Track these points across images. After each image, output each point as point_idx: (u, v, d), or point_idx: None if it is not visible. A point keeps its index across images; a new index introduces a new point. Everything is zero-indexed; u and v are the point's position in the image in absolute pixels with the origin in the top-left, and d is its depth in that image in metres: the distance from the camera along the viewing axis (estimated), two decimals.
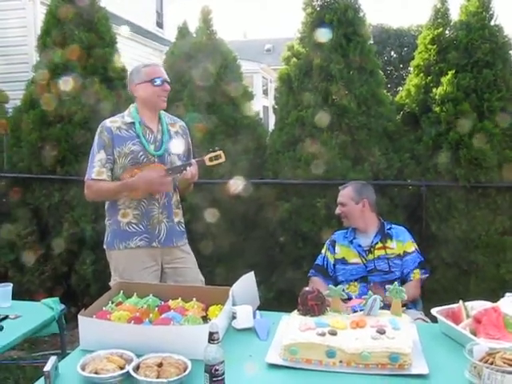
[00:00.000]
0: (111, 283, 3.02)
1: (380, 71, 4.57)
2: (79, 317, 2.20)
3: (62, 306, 3.04)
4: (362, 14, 4.52)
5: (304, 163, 4.30)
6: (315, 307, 2.27)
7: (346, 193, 3.33)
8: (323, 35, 4.35)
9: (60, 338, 3.17)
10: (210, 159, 2.94)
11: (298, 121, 4.38)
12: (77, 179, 4.38)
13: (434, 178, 4.25)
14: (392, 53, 23.16)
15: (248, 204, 4.41)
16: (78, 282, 4.62)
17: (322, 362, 2.04)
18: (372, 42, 4.61)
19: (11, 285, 3.05)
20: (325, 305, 2.32)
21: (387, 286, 2.35)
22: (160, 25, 13.80)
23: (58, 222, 4.66)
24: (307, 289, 2.33)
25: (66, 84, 4.54)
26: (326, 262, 3.34)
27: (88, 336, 2.19)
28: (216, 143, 4.11)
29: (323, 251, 3.38)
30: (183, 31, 4.81)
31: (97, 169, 2.95)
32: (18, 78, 7.11)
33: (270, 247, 4.47)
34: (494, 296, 2.50)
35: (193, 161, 2.98)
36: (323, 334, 2.08)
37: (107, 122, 3.03)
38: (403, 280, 3.14)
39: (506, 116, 4.16)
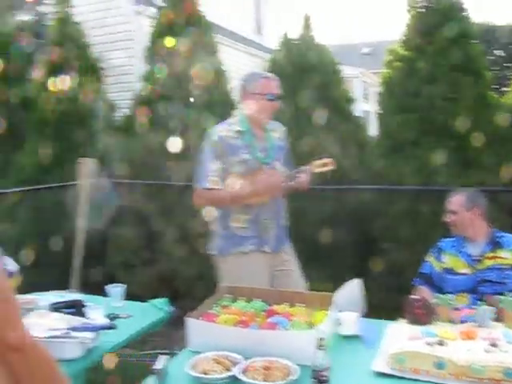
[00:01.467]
0: None
1: (487, 72, 4.40)
2: (187, 319, 2.28)
3: (171, 308, 3.15)
4: (466, 14, 4.38)
5: (411, 169, 4.21)
6: (422, 316, 2.23)
7: (457, 200, 3.19)
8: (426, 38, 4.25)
9: (167, 337, 3.28)
10: (318, 166, 2.95)
11: (403, 126, 4.30)
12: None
13: None
14: (496, 52, 21.99)
15: (349, 212, 4.38)
16: (182, 286, 4.77)
17: (430, 372, 1.99)
18: (477, 41, 4.45)
19: (124, 286, 3.19)
20: (432, 314, 2.26)
21: (499, 297, 2.26)
22: (259, 31, 13.97)
23: (164, 226, 4.82)
24: (414, 297, 2.29)
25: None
26: (431, 271, 3.24)
27: (196, 338, 2.26)
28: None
29: (429, 259, 3.27)
30: (285, 39, 4.84)
31: (211, 178, 2.98)
32: (124, 87, 7.49)
33: (366, 252, 4.41)
34: None
35: (303, 168, 2.99)
36: (431, 344, 2.04)
37: (218, 131, 3.05)
38: None
39: None
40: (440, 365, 1.98)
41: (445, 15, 4.28)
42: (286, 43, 4.84)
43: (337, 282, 2.53)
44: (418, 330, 2.16)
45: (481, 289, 2.99)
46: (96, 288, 3.41)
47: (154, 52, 5.00)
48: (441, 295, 2.34)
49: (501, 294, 2.62)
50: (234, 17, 11.76)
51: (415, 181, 4.22)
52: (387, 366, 2.04)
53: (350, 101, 4.81)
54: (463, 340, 2.09)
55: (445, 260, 3.19)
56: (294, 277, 3.16)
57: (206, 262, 4.50)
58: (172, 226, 4.77)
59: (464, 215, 3.13)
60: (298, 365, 1.98)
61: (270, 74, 3.14)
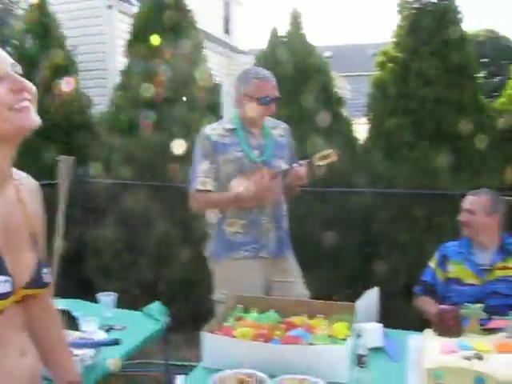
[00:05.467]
0: (215, 295, 2.93)
1: (480, 76, 4.37)
2: (203, 333, 2.11)
3: (167, 316, 2.96)
4: (460, 16, 4.33)
5: (403, 172, 4.13)
6: (454, 327, 2.11)
7: (478, 201, 2.98)
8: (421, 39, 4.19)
9: (163, 348, 3.10)
10: (320, 158, 2.79)
11: (396, 128, 4.22)
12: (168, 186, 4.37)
13: None
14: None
15: (340, 217, 4.26)
16: (165, 290, 4.57)
17: None
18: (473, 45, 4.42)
19: (115, 295, 2.99)
20: (462, 325, 2.15)
21: None
22: (227, 31, 13.83)
23: (146, 229, 4.62)
24: (445, 307, 2.17)
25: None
26: (435, 280, 3.05)
27: (212, 353, 2.09)
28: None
29: (432, 266, 3.12)
30: (273, 36, 4.69)
31: (201, 179, 2.84)
32: (98, 83, 7.26)
33: (363, 257, 4.30)
34: None
35: (302, 162, 2.82)
36: (469, 358, 1.92)
37: (207, 130, 2.91)
38: None
39: None
40: (479, 380, 1.86)
41: (439, 17, 4.21)
42: (274, 40, 4.69)
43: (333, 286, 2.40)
44: (451, 342, 2.04)
45: (489, 301, 2.72)
46: (73, 295, 3.21)
47: (135, 48, 4.78)
48: (471, 305, 2.22)
49: (511, 307, 2.52)
50: (202, 15, 11.59)
51: (409, 184, 4.13)
52: (423, 382, 1.92)
53: (339, 102, 4.70)
54: (500, 353, 1.99)
55: (450, 269, 2.99)
56: (295, 289, 2.97)
57: (191, 265, 4.41)
58: (155, 228, 4.56)
59: (482, 219, 2.94)
60: (329, 382, 1.84)
61: (265, 74, 2.89)
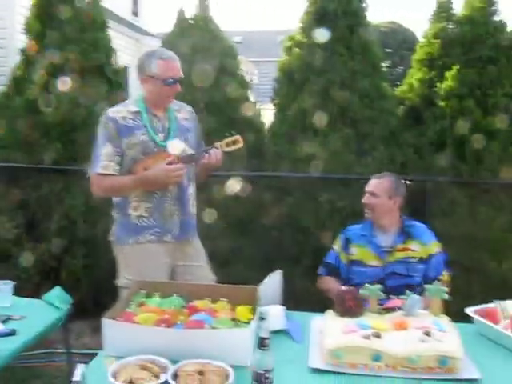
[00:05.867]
0: (120, 280, 2.86)
1: (382, 64, 4.50)
2: (103, 320, 2.04)
3: (69, 303, 2.85)
4: (365, 5, 4.44)
5: (305, 157, 4.18)
6: (354, 308, 2.17)
7: (382, 184, 3.07)
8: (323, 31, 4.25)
9: (64, 336, 2.99)
10: (227, 144, 2.78)
11: (300, 113, 4.27)
12: (67, 169, 4.23)
13: (437, 174, 4.19)
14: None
15: (247, 201, 4.27)
16: (68, 277, 4.41)
17: (368, 366, 1.94)
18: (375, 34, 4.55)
19: (12, 283, 2.84)
20: (363, 305, 2.21)
21: (426, 286, 2.26)
22: (135, 13, 13.48)
23: (46, 214, 4.44)
24: (344, 288, 2.22)
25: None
26: (338, 263, 3.15)
27: (114, 341, 2.03)
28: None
29: (336, 248, 3.18)
30: (180, 19, 4.60)
31: (104, 163, 2.75)
32: None
33: (269, 244, 4.34)
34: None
35: (216, 145, 2.78)
36: (368, 337, 1.98)
37: (111, 112, 2.81)
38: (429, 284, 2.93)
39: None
40: (377, 357, 1.93)
41: (345, 4, 4.29)
42: (181, 23, 4.60)
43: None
44: (352, 322, 2.10)
45: (388, 282, 2.88)
46: None
47: (34, 27, 4.54)
48: (370, 286, 2.28)
49: (409, 286, 2.63)
50: None
51: (312, 169, 4.20)
52: (324, 362, 1.96)
53: (246, 86, 4.69)
54: (397, 330, 2.06)
55: (353, 251, 3.09)
56: (201, 273, 2.96)
57: (92, 250, 4.28)
58: (54, 213, 4.39)
59: (385, 202, 3.03)
60: (232, 366, 1.83)
61: (169, 54, 2.83)
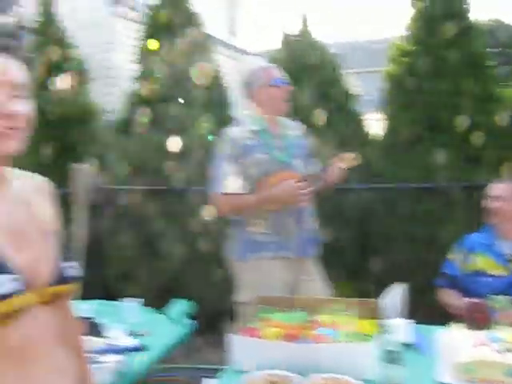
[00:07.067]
0: (238, 296, 2.92)
1: (490, 64, 4.34)
2: (231, 336, 2.10)
3: (192, 319, 2.94)
4: (467, 7, 4.33)
5: (423, 166, 4.11)
6: (483, 320, 2.09)
7: (508, 188, 2.96)
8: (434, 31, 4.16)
9: (186, 352, 3.09)
10: (345, 161, 2.81)
11: (412, 122, 4.19)
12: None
13: None
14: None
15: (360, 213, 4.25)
16: (184, 293, 4.55)
17: (504, 382, 1.85)
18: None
19: (140, 300, 2.99)
20: (491, 317, 2.13)
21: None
22: (233, 33, 13.81)
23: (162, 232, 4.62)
24: (473, 300, 2.15)
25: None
26: (457, 273, 3.02)
27: (240, 355, 2.08)
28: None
29: (453, 258, 3.05)
30: (285, 37, 4.69)
31: (226, 182, 2.82)
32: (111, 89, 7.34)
33: (386, 256, 4.27)
34: None
35: (333, 166, 2.84)
36: (501, 351, 1.90)
37: (231, 132, 2.91)
38: None
39: None
40: (510, 373, 1.84)
41: (449, 8, 4.18)
42: (286, 41, 4.68)
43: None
44: (482, 335, 2.02)
45: None
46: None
47: (147, 52, 4.79)
48: (498, 297, 2.19)
49: None
50: (206, 17, 11.59)
51: (420, 179, 4.11)
52: (455, 377, 1.90)
53: (351, 98, 4.68)
54: None
55: (473, 261, 2.96)
56: (317, 287, 2.96)
57: (212, 266, 4.39)
58: (174, 230, 4.56)
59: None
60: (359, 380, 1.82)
61: (266, 64, 2.99)
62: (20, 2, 7.16)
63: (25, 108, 1.17)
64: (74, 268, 1.28)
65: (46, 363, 1.17)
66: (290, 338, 2.09)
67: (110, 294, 3.80)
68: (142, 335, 2.70)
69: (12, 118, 1.15)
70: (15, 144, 1.17)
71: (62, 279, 1.24)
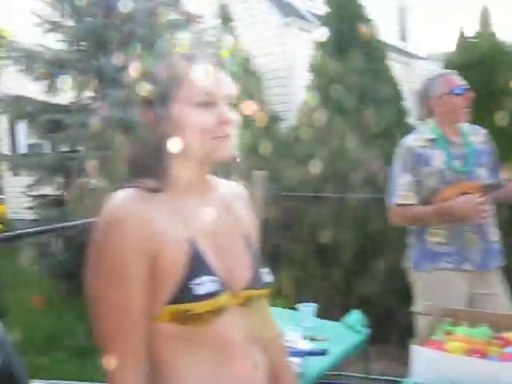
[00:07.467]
0: (417, 307, 2.85)
1: None
2: (414, 347, 2.06)
3: (367, 327, 2.94)
4: None
5: None
6: None
7: None
8: None
9: (363, 361, 3.09)
10: None
11: None
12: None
13: None
14: None
15: None
16: (358, 302, 4.54)
17: None
18: None
19: (315, 305, 3.04)
20: None
21: None
22: (403, 38, 13.52)
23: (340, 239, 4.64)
24: None
25: None
26: None
27: (422, 367, 2.02)
28: None
29: None
30: (461, 38, 4.48)
31: (402, 193, 2.78)
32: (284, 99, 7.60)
33: None
34: None
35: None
36: None
37: (407, 141, 2.86)
38: None
39: None
40: None
41: None
42: (462, 42, 4.47)
43: None
44: None
45: None
46: None
47: (322, 66, 4.88)
48: None
49: None
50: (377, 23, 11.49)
51: None
52: None
53: None
54: None
55: None
56: (499, 303, 2.79)
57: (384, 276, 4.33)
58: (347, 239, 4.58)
59: None
60: None
61: (444, 71, 2.92)
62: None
63: (235, 117, 1.27)
64: (267, 273, 1.35)
65: (241, 360, 1.24)
66: (476, 353, 2.00)
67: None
68: (319, 340, 2.76)
69: (229, 126, 1.25)
70: (231, 148, 1.26)
71: (257, 283, 1.30)
